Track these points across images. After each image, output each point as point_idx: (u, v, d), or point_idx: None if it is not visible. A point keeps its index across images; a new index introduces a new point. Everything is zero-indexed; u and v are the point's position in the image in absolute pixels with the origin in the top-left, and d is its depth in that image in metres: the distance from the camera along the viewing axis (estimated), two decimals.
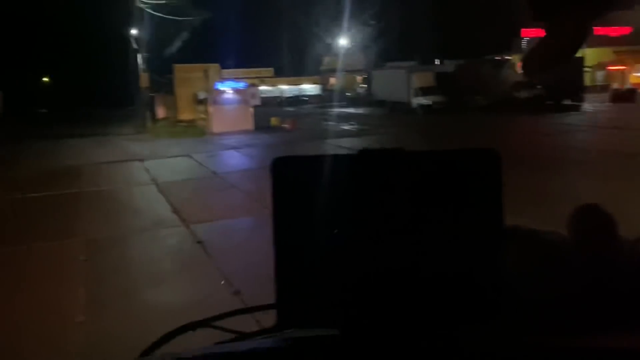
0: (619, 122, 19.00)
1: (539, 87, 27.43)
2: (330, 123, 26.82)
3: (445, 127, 20.93)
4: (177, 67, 26.94)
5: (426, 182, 0.64)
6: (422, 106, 28.65)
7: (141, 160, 15.56)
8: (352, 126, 24.27)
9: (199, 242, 7.00)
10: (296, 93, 55.67)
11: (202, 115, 24.00)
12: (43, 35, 59.13)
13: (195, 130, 23.36)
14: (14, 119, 36.75)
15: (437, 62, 40.00)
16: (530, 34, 30.53)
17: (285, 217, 0.67)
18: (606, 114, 23.62)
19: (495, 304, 0.64)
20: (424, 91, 28.95)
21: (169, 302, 4.89)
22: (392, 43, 44.60)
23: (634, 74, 37.72)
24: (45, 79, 66.44)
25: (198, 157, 15.72)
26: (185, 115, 25.47)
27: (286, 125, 23.62)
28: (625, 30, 39.87)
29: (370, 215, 0.65)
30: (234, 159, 15.66)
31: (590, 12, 0.56)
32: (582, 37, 0.56)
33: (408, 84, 29.71)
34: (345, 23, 45.53)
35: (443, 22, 43.33)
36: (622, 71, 37.89)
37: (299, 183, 0.66)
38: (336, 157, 0.66)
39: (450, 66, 30.20)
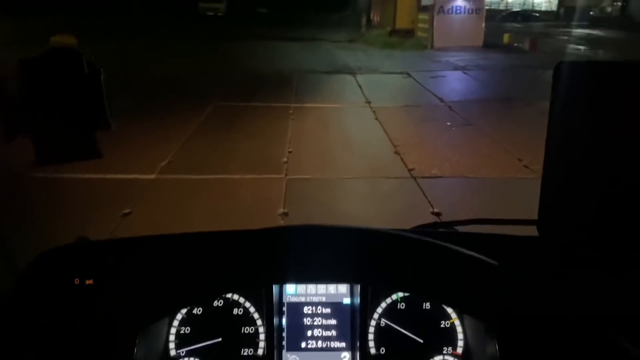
0: None
1: None
2: (574, 47, 21.55)
3: None
4: None
5: None
6: None
7: (353, 73, 13.58)
8: (608, 54, 18.87)
9: (435, 213, 4.70)
10: (526, 7, 48.08)
11: (423, 25, 20.91)
12: None
13: (415, 42, 20.53)
14: (236, 17, 38.00)
15: None
16: None
17: (562, 128, 0.61)
18: None
19: None
20: None
21: None
22: None
23: None
24: None
25: (418, 76, 13.13)
26: (404, 24, 22.61)
27: (524, 45, 19.35)
28: None
29: None
30: (464, 84, 12.70)
31: None
32: None
33: None
34: None
35: None
36: None
37: (583, 92, 0.60)
38: (631, 65, 0.58)
39: None
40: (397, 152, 6.63)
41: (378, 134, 7.60)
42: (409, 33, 22.15)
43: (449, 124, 8.37)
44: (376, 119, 8.50)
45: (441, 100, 10.21)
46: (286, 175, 5.72)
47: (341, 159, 6.40)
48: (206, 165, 6.03)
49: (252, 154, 6.45)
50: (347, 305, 0.90)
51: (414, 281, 0.71)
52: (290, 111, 8.93)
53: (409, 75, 13.39)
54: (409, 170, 5.96)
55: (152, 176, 5.65)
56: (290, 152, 6.60)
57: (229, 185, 5.39)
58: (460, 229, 1.03)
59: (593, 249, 0.63)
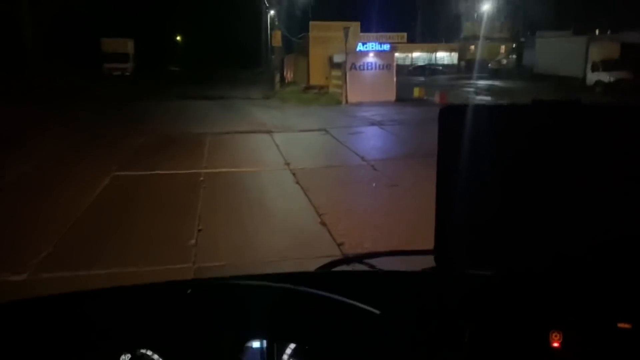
0: None
1: None
2: (481, 98, 22.59)
3: None
4: (314, 24, 24.00)
5: (601, 136, 0.64)
6: (602, 84, 23.13)
7: (269, 132, 12.97)
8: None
9: None
10: (430, 61, 50.93)
11: (337, 81, 21.01)
12: None
13: (329, 97, 20.49)
14: (145, 74, 36.82)
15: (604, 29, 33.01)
16: None
17: (450, 165, 0.69)
18: None
19: None
20: (606, 65, 23.29)
21: None
22: (546, 9, 38.15)
23: None
24: (178, 38, 68.04)
25: (336, 133, 12.77)
26: (317, 80, 22.67)
27: (434, 98, 19.89)
28: None
29: (538, 165, 0.66)
30: (383, 140, 12.47)
31: None
32: None
33: (585, 56, 24.16)
34: None
35: None
36: None
37: (465, 131, 0.68)
38: (506, 107, 0.69)
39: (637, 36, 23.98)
40: (323, 223, 5.91)
41: (300, 201, 6.89)
42: (323, 89, 22.20)
43: (374, 185, 7.85)
44: (297, 182, 7.82)
45: (363, 158, 9.77)
46: (194, 263, 4.79)
47: (260, 236, 5.57)
48: (97, 256, 4.96)
49: (154, 237, 5.46)
50: (257, 348, 0.84)
51: (297, 333, 0.70)
52: (201, 178, 8.04)
53: (327, 132, 12.99)
54: (339, 245, 5.25)
55: (23, 277, 4.49)
56: (200, 230, 5.69)
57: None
58: (370, 262, 1.05)
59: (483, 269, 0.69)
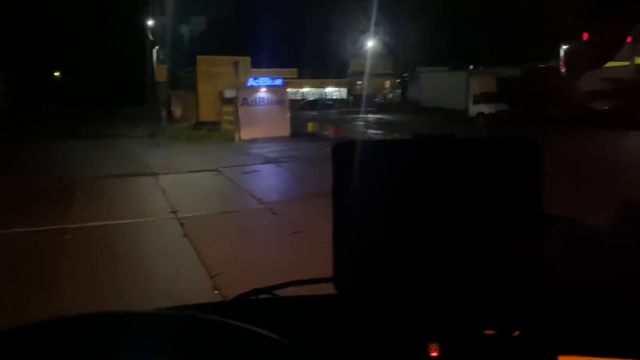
0: None
1: (616, 98, 23.39)
2: (374, 132, 22.91)
3: None
4: (201, 58, 22.88)
5: (472, 166, 0.70)
6: (483, 115, 24.51)
7: (154, 174, 11.71)
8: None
9: None
10: (320, 96, 51.92)
11: (228, 117, 20.10)
12: (54, 27, 55.99)
13: (221, 134, 19.48)
14: (17, 113, 33.29)
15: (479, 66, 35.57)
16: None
17: (344, 198, 0.73)
18: None
19: (534, 281, 0.71)
20: (486, 98, 24.80)
21: None
22: (427, 46, 40.66)
23: None
24: (56, 73, 63.35)
25: (230, 173, 11.85)
26: (207, 116, 21.59)
27: (328, 133, 19.71)
28: None
29: (421, 196, 0.71)
30: (280, 179, 11.75)
31: (631, 18, 0.57)
32: (622, 41, 0.71)
33: (466, 89, 25.58)
34: (375, 24, 41.89)
35: (482, 25, 38.99)
36: None
37: (357, 166, 0.72)
38: (392, 142, 0.74)
39: (514, 71, 25.96)
40: (216, 288, 4.95)
41: (189, 259, 5.85)
42: (214, 125, 21.17)
43: (274, 232, 7.04)
44: (185, 235, 6.76)
45: (260, 201, 8.93)
46: None
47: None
48: None
49: None
50: None
51: None
52: (67, 236, 6.70)
53: (219, 172, 12.01)
54: None
55: None
56: (61, 308, 4.45)
57: None
58: (279, 292, 1.08)
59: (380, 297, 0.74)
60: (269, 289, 1.10)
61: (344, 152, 0.73)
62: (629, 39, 31.96)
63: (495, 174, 0.70)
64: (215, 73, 21.64)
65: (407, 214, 0.71)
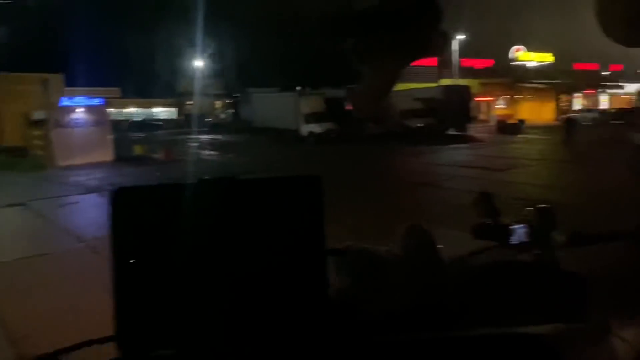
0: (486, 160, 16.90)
1: (429, 116, 26.16)
2: (207, 153, 22.22)
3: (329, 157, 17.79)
4: (0, 76, 19.82)
5: (257, 207, 0.70)
6: (314, 134, 25.33)
7: None
8: (241, 158, 19.81)
9: None
10: (147, 117, 49.33)
11: (39, 142, 17.69)
12: None
13: (30, 161, 17.00)
14: None
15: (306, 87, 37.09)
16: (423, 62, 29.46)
17: (125, 248, 0.68)
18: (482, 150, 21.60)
19: (320, 314, 0.71)
20: (315, 118, 25.72)
21: None
22: (257, 67, 41.41)
23: (498, 106, 39.19)
24: None
25: (41, 206, 10.25)
26: (11, 140, 18.77)
27: (158, 156, 18.50)
28: (489, 62, 41.67)
29: (208, 240, 0.69)
30: (103, 211, 10.42)
31: (404, 59, 0.67)
32: (397, 78, 0.68)
33: (297, 110, 26.23)
34: (203, 44, 41.44)
35: (307, 48, 41.00)
36: (488, 102, 39.06)
37: (140, 212, 0.69)
38: (176, 186, 0.70)
39: (340, 92, 27.40)
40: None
41: None
42: (21, 151, 18.48)
43: (93, 276, 6.06)
44: None
45: (79, 238, 7.78)
46: None
47: None
48: None
49: None
50: None
51: None
52: None
53: (27, 206, 10.31)
54: None
55: None
56: None
57: None
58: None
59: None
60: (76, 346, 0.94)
61: (125, 198, 0.69)
62: (435, 63, 36.19)
63: (279, 213, 0.70)
64: (19, 92, 18.88)
65: (190, 261, 0.68)
